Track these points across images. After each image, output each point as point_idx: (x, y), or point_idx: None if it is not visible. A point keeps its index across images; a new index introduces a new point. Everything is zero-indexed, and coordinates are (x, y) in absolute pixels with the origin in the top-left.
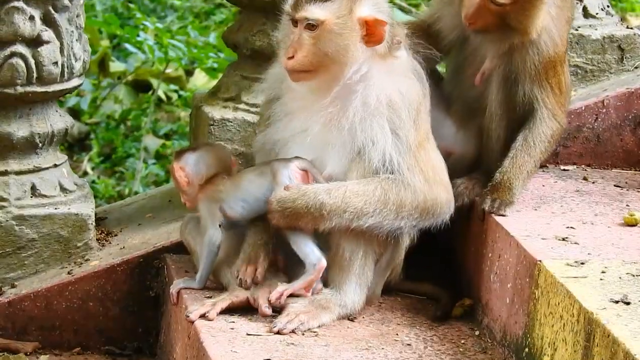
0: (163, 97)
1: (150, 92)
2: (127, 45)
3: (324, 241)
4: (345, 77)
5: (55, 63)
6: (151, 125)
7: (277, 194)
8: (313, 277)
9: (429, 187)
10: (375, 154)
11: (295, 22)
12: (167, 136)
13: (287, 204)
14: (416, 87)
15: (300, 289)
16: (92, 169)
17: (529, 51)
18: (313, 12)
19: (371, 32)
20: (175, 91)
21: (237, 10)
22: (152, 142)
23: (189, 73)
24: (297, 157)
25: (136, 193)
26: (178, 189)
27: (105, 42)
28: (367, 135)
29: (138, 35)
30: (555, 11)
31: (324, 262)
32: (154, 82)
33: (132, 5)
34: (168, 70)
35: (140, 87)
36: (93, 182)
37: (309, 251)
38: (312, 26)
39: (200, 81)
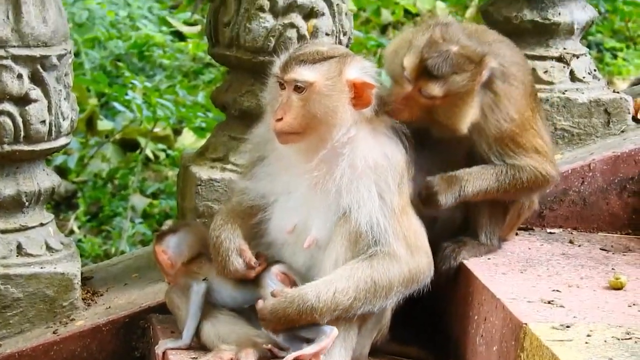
0: (151, 156)
1: (138, 151)
2: (115, 104)
3: None
4: (332, 139)
5: (43, 122)
6: (138, 184)
7: (267, 304)
8: (325, 345)
9: (412, 256)
10: (362, 217)
11: (283, 85)
12: (154, 195)
13: (279, 314)
14: (400, 151)
15: (311, 354)
16: (79, 227)
17: (472, 138)
18: (302, 74)
19: (359, 95)
20: (163, 150)
21: (225, 70)
22: (139, 201)
23: (177, 132)
24: (276, 262)
25: (123, 252)
26: (160, 270)
27: (93, 101)
28: (353, 198)
29: (126, 94)
30: (493, 98)
31: (336, 331)
32: (142, 140)
33: (120, 64)
34: (156, 129)
35: (128, 145)
36: (79, 240)
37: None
38: (300, 88)
39: (188, 140)
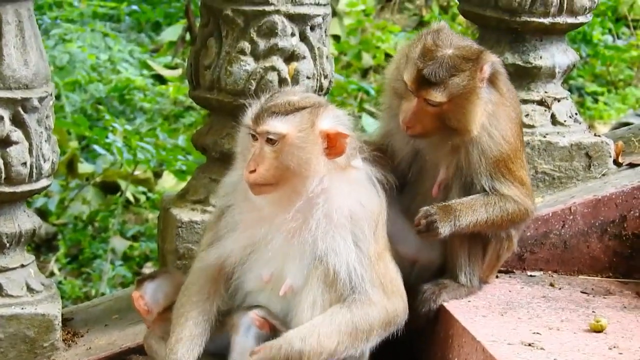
0: (131, 198)
1: (118, 194)
2: (96, 147)
3: None
4: (307, 190)
5: (24, 164)
6: (119, 226)
7: (256, 357)
8: None
9: (389, 300)
10: (339, 266)
11: (255, 136)
12: (134, 238)
13: None
14: (375, 198)
15: None
16: (59, 269)
17: (473, 154)
18: (274, 126)
19: (332, 145)
20: (144, 193)
21: (206, 113)
22: (119, 244)
23: (158, 175)
24: (256, 307)
25: (103, 294)
26: (139, 314)
27: (74, 143)
28: (329, 248)
29: (107, 137)
30: (493, 109)
31: None
32: (122, 183)
33: (101, 107)
34: (136, 172)
35: (109, 188)
36: (60, 282)
37: None
38: (273, 140)
39: (169, 183)
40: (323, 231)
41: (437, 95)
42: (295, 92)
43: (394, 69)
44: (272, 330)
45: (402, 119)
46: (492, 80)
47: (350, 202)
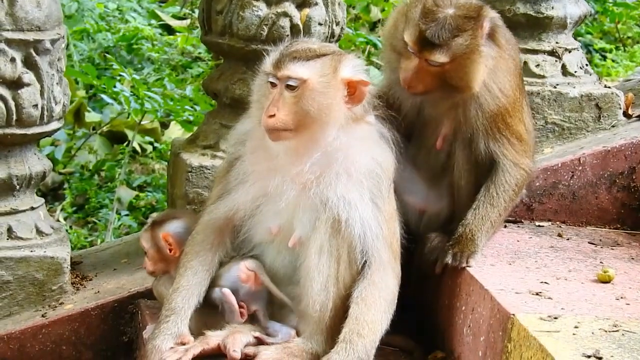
0: (138, 148)
1: (125, 144)
2: (103, 96)
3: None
4: (325, 140)
5: (35, 106)
6: (125, 176)
7: None
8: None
9: (395, 262)
10: (355, 223)
11: (274, 82)
12: (140, 188)
13: None
14: (389, 156)
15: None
16: (65, 218)
17: (470, 109)
18: (296, 71)
19: (353, 93)
20: (150, 143)
21: (214, 64)
22: (125, 194)
23: (165, 125)
24: (250, 257)
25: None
26: (150, 258)
27: (81, 92)
28: (345, 201)
29: (114, 86)
30: (492, 63)
31: (293, 333)
32: (129, 133)
33: (109, 56)
34: (144, 122)
35: (115, 138)
36: (65, 231)
37: (284, 328)
38: (293, 86)
39: (176, 134)
40: (340, 185)
41: (440, 57)
42: (314, 41)
43: (392, 26)
44: (258, 285)
45: (402, 79)
46: (491, 35)
47: (367, 160)
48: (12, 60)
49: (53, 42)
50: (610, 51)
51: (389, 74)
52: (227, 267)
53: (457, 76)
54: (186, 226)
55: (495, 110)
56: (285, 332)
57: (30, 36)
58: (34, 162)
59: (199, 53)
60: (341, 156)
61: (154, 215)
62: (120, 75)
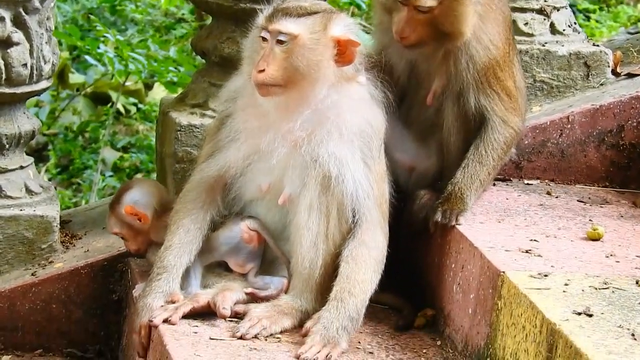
0: (122, 110)
1: (109, 105)
2: (87, 57)
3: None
4: (315, 97)
5: (25, 65)
6: (109, 137)
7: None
8: (272, 295)
9: (384, 222)
10: (347, 181)
11: (265, 38)
12: (125, 149)
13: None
14: (380, 116)
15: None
16: (49, 179)
17: (461, 61)
18: (287, 26)
19: (343, 52)
20: (134, 104)
21: (197, 25)
22: (109, 155)
23: (148, 87)
24: (249, 217)
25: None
26: (127, 238)
27: (65, 54)
28: (336, 159)
29: (98, 47)
30: (482, 10)
31: (285, 282)
32: (113, 94)
33: (92, 17)
34: (127, 83)
35: (99, 99)
36: (55, 190)
37: (275, 279)
38: (284, 41)
39: (159, 95)
40: (331, 143)
41: (427, 0)
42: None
43: None
44: (260, 244)
45: (395, 31)
46: None
47: (358, 119)
48: (2, 19)
49: (42, 1)
50: (594, 11)
51: (380, 36)
52: (226, 227)
53: (447, 21)
54: (142, 191)
55: (487, 62)
56: (278, 282)
57: None
58: (23, 121)
59: (183, 14)
60: (332, 115)
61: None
62: (104, 36)
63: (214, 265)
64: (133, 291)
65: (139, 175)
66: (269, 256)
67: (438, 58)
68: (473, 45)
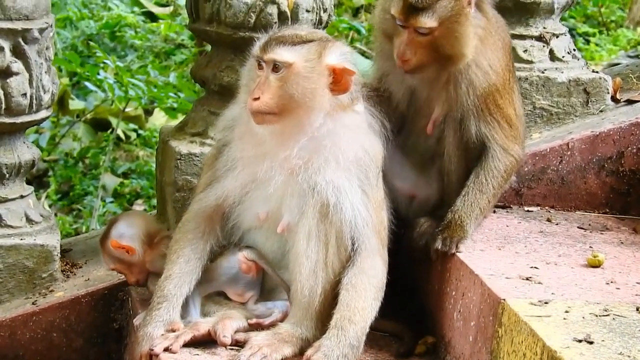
0: (122, 135)
1: (109, 131)
2: (87, 84)
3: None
4: (311, 125)
5: (24, 94)
6: (109, 163)
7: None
8: (276, 320)
9: (383, 250)
10: (346, 209)
11: (261, 65)
12: (125, 175)
13: None
14: (378, 144)
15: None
16: (50, 206)
17: (461, 86)
18: (281, 54)
19: (338, 81)
20: (135, 130)
21: (197, 51)
22: (110, 181)
23: (149, 112)
24: (246, 247)
25: (93, 231)
26: (123, 272)
27: (65, 80)
28: (333, 187)
29: (98, 74)
30: (481, 32)
31: (289, 304)
32: (113, 120)
33: (92, 44)
34: (127, 109)
35: (100, 125)
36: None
37: (278, 303)
38: (279, 68)
39: (159, 121)
40: (329, 171)
41: (427, 21)
42: (304, 27)
43: (380, 10)
44: (258, 273)
45: (396, 54)
46: (478, 5)
47: (355, 148)
48: (1, 49)
49: (41, 31)
50: (594, 35)
51: (380, 63)
52: (224, 258)
53: (447, 43)
54: (127, 223)
55: (486, 88)
56: (282, 305)
57: (18, 25)
58: (23, 151)
59: (182, 40)
60: (329, 142)
61: (139, 203)
62: (103, 62)
63: (214, 294)
64: (134, 320)
65: (139, 201)
66: (268, 283)
67: (439, 84)
68: (473, 70)
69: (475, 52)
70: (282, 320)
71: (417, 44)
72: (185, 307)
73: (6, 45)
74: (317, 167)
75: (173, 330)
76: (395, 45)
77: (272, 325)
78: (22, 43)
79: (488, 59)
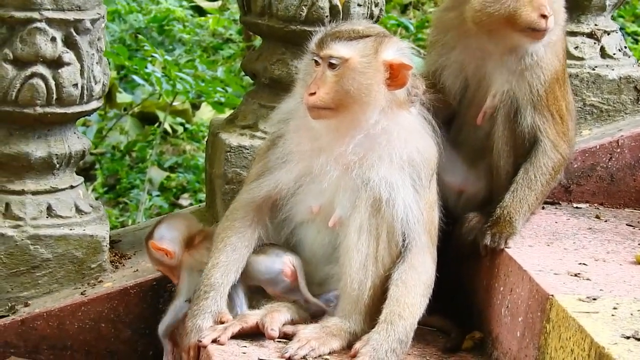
0: (169, 129)
1: (156, 125)
2: (135, 77)
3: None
4: (367, 122)
5: (75, 85)
6: (156, 157)
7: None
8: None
9: (433, 248)
10: (398, 205)
11: (318, 61)
12: (171, 169)
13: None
14: (432, 146)
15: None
16: (96, 199)
17: (533, 73)
18: (338, 50)
19: (395, 76)
20: (181, 124)
21: (245, 45)
22: (156, 174)
23: (196, 107)
24: (292, 252)
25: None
26: (165, 273)
27: (112, 73)
28: (386, 183)
29: (146, 67)
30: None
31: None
32: (161, 114)
33: (140, 37)
34: (175, 103)
35: (147, 119)
36: (104, 210)
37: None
38: (335, 65)
39: (207, 115)
40: (382, 168)
41: None
42: (361, 22)
43: (448, 16)
44: (295, 281)
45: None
46: None
47: (409, 148)
48: (53, 39)
49: (93, 21)
50: None
51: (435, 56)
52: (268, 257)
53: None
54: (169, 226)
55: (553, 75)
56: (333, 295)
57: (70, 15)
58: (73, 141)
59: (230, 35)
60: (384, 140)
61: (185, 197)
62: (151, 56)
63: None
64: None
65: (185, 195)
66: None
67: (505, 69)
68: (548, 56)
69: (552, 35)
70: None
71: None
72: (230, 297)
73: (58, 36)
74: (371, 164)
75: (221, 322)
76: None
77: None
78: (74, 33)
79: (557, 46)
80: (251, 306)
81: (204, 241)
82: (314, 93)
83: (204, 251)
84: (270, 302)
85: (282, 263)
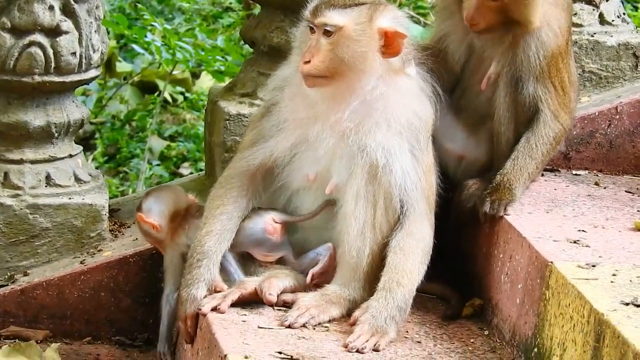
0: (169, 98)
1: (156, 94)
2: (134, 46)
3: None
4: (362, 89)
5: (74, 53)
6: (156, 126)
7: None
8: (326, 263)
9: (431, 214)
10: (396, 171)
11: (313, 29)
12: (172, 138)
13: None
14: (429, 109)
15: (318, 273)
16: (96, 168)
17: (532, 46)
18: (332, 17)
19: (389, 44)
20: (181, 93)
21: (245, 14)
22: (157, 144)
23: (196, 75)
24: (273, 210)
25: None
26: (154, 244)
27: (112, 43)
28: (383, 149)
29: (145, 36)
30: None
31: (332, 247)
32: (160, 83)
33: (140, 6)
34: (175, 72)
35: (146, 88)
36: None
37: (320, 249)
38: (329, 32)
39: (207, 84)
40: (379, 134)
41: None
42: None
43: None
44: (285, 232)
45: (465, 17)
46: None
47: (407, 112)
48: (51, 8)
49: None
50: None
51: (440, 22)
52: (249, 220)
53: (517, 10)
54: (155, 199)
55: (555, 49)
56: (324, 249)
57: None
58: (72, 110)
59: (230, 3)
60: (380, 106)
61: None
62: (151, 25)
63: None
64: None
65: (185, 164)
66: (298, 239)
67: (505, 44)
68: (545, 32)
69: (547, 13)
70: (332, 264)
71: (487, 9)
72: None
73: (56, 4)
74: (368, 130)
75: (215, 290)
76: (464, 7)
77: (326, 269)
78: (72, 2)
79: (557, 19)
80: (250, 275)
81: (190, 217)
82: (309, 61)
83: (188, 234)
84: (270, 270)
85: (263, 222)
